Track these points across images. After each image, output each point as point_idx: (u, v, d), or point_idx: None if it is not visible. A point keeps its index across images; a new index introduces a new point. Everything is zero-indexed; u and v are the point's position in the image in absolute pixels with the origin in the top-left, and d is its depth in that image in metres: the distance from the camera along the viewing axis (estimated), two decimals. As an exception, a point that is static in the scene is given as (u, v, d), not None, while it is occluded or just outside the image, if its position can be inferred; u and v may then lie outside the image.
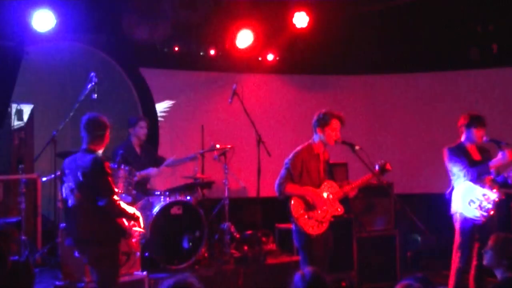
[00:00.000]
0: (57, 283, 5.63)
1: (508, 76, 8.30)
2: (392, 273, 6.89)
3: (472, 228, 5.53)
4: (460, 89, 8.56)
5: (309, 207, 5.14)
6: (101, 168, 4.41)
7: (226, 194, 6.96)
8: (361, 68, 8.82)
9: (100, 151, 4.57)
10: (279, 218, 6.88)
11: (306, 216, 5.12)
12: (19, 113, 6.49)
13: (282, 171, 5.22)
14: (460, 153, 5.65)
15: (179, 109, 8.30)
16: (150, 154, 7.07)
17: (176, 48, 8.02)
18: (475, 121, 5.69)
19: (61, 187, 4.64)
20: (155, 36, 7.31)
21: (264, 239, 6.97)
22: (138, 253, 5.54)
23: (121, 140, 7.04)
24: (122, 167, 6.18)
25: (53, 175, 6.26)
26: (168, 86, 8.26)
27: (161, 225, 6.22)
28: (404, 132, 8.78)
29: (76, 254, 4.66)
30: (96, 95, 6.25)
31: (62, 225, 5.66)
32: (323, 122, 5.21)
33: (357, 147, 5.14)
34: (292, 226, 5.23)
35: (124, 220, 4.52)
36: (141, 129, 6.85)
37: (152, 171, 6.72)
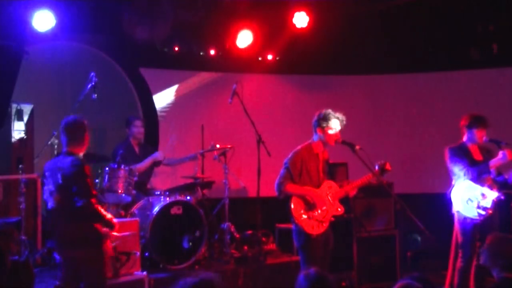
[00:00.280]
0: (57, 283, 5.62)
1: (508, 76, 8.30)
2: (392, 273, 6.89)
3: (472, 228, 5.54)
4: (460, 89, 8.55)
5: (309, 207, 5.14)
6: (80, 170, 4.40)
7: (226, 194, 6.97)
8: (361, 68, 8.82)
9: (81, 154, 4.56)
10: (279, 218, 6.88)
11: (306, 216, 5.12)
12: (19, 113, 6.49)
13: (282, 171, 5.23)
14: (461, 153, 5.67)
15: (179, 109, 8.30)
16: (148, 154, 7.08)
17: (176, 48, 8.02)
18: (477, 121, 5.70)
19: (42, 189, 4.63)
20: (155, 36, 7.31)
21: (264, 239, 6.96)
22: (138, 253, 5.55)
23: (121, 140, 7.04)
24: (122, 167, 6.19)
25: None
26: (168, 86, 8.26)
27: (161, 225, 6.22)
28: (404, 132, 8.78)
29: (57, 256, 4.65)
30: (96, 95, 6.25)
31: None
32: (323, 122, 5.21)
33: (357, 147, 5.14)
34: (292, 226, 5.23)
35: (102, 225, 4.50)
36: (136, 128, 6.87)
37: (158, 154, 6.75)
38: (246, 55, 8.18)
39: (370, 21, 8.09)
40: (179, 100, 8.31)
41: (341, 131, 5.25)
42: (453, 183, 5.71)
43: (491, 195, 5.51)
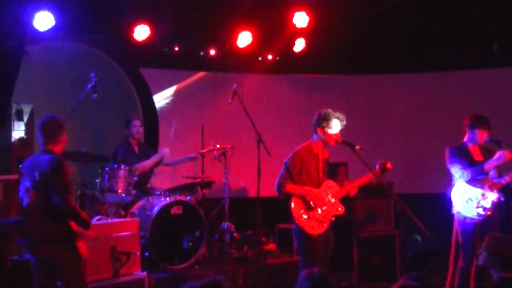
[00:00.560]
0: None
1: (508, 76, 8.30)
2: (392, 273, 6.89)
3: (472, 228, 5.54)
4: (460, 89, 8.55)
5: (309, 207, 5.14)
6: (57, 166, 4.41)
7: (226, 194, 6.97)
8: (361, 68, 8.82)
9: (58, 152, 4.57)
10: (279, 218, 6.89)
11: (306, 216, 5.12)
12: (19, 113, 6.47)
13: (282, 171, 5.23)
14: (460, 154, 5.67)
15: (179, 109, 8.30)
16: (148, 153, 7.10)
17: (176, 48, 8.02)
18: (479, 122, 5.70)
19: (19, 187, 4.63)
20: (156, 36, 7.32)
21: (264, 239, 6.97)
22: (138, 253, 5.55)
23: (121, 140, 7.05)
24: (122, 167, 6.19)
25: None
26: (168, 86, 8.26)
27: (161, 225, 6.22)
28: (404, 132, 8.78)
29: (27, 255, 4.64)
30: (96, 95, 6.25)
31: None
32: (323, 122, 5.20)
33: (357, 147, 5.13)
34: (293, 226, 5.23)
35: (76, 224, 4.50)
36: (135, 128, 6.89)
37: (164, 152, 6.78)
38: (246, 55, 8.18)
39: (370, 21, 8.08)
40: (179, 100, 8.31)
41: (341, 131, 5.25)
42: (453, 183, 5.71)
43: (491, 196, 5.51)
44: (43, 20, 6.43)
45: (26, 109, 6.59)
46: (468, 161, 5.63)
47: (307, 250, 5.14)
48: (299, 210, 5.13)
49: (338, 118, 5.22)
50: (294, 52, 8.23)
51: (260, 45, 8.12)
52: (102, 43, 7.68)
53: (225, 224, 6.84)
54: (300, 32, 7.97)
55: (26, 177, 4.50)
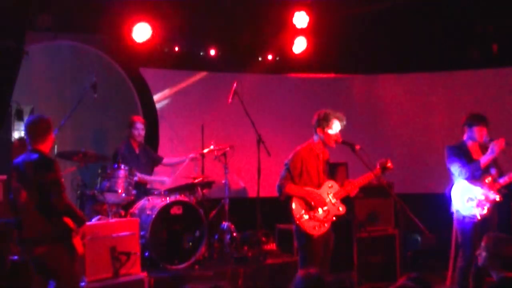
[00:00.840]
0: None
1: (508, 76, 8.30)
2: (392, 273, 6.89)
3: (472, 227, 5.54)
4: (460, 89, 8.55)
5: (310, 207, 5.14)
6: (50, 165, 4.43)
7: (226, 194, 6.97)
8: (361, 68, 8.82)
9: (46, 152, 4.58)
10: (279, 218, 6.89)
11: (307, 217, 5.12)
12: (19, 113, 6.48)
13: (282, 172, 5.23)
14: (460, 152, 5.67)
15: (179, 109, 8.30)
16: (148, 154, 7.11)
17: (176, 48, 8.03)
18: (477, 119, 5.71)
19: (7, 188, 4.63)
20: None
21: (264, 239, 6.97)
22: (138, 253, 5.55)
23: (121, 140, 7.05)
24: (122, 167, 6.20)
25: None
26: (168, 86, 8.26)
27: (161, 225, 6.22)
28: (404, 132, 8.78)
29: (16, 257, 4.63)
30: (96, 95, 6.25)
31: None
32: (323, 122, 5.20)
33: (357, 147, 5.13)
34: (294, 227, 5.23)
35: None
36: (137, 131, 6.90)
37: (167, 180, 6.82)
38: (246, 55, 8.17)
39: (370, 21, 8.09)
40: (179, 100, 8.31)
41: (341, 131, 5.25)
42: (453, 181, 5.71)
43: (490, 196, 5.51)
44: (44, 20, 6.43)
45: (26, 109, 6.60)
46: (467, 160, 5.64)
47: (307, 250, 5.14)
48: (300, 211, 5.12)
49: (338, 118, 5.22)
50: (294, 52, 8.23)
51: (260, 45, 8.12)
52: (102, 43, 7.68)
53: (225, 224, 6.84)
54: (300, 32, 7.96)
55: (16, 178, 4.50)
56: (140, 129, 6.91)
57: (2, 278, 5.02)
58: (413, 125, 8.77)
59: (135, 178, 6.32)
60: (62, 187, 4.45)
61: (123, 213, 6.30)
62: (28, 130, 4.56)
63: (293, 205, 5.13)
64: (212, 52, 8.17)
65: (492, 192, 5.52)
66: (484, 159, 5.54)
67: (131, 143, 6.92)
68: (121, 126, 7.40)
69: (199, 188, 6.90)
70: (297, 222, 5.12)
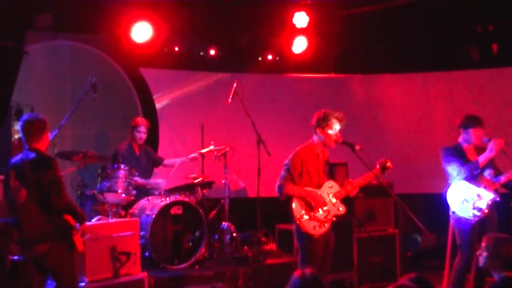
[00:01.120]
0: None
1: (508, 76, 8.30)
2: (392, 273, 6.89)
3: (469, 228, 5.54)
4: (460, 89, 8.55)
5: (310, 207, 5.13)
6: (49, 163, 4.46)
7: (226, 194, 6.97)
8: (361, 68, 8.82)
9: (43, 150, 4.59)
10: (279, 218, 6.88)
11: (307, 217, 5.12)
12: (19, 113, 6.49)
13: (282, 172, 5.22)
14: (455, 153, 5.67)
15: (179, 109, 8.30)
16: (148, 155, 7.11)
17: (176, 48, 8.02)
18: (473, 121, 5.70)
19: (6, 188, 4.62)
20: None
21: (264, 239, 6.97)
22: (138, 253, 5.55)
23: (121, 140, 7.05)
24: (122, 167, 6.20)
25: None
26: (168, 86, 8.26)
27: (161, 225, 6.23)
28: (404, 132, 8.78)
29: (16, 257, 4.63)
30: (96, 95, 6.25)
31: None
32: (322, 123, 5.20)
33: (357, 147, 5.12)
34: (294, 227, 5.22)
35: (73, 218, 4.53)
36: (139, 134, 6.90)
37: (161, 183, 6.80)
38: (246, 55, 8.17)
39: (370, 21, 8.09)
40: (179, 100, 8.31)
41: (341, 131, 5.24)
42: (449, 183, 5.71)
43: (486, 196, 5.51)
44: (44, 20, 6.43)
45: (26, 109, 6.60)
46: (462, 161, 5.63)
47: (307, 250, 5.13)
48: (300, 211, 5.12)
49: (337, 118, 5.21)
50: (294, 52, 8.23)
51: (260, 45, 8.12)
52: (102, 43, 7.68)
53: (225, 224, 6.84)
54: (300, 32, 7.96)
55: (15, 177, 4.50)
56: (142, 132, 6.91)
57: (2, 278, 5.02)
58: (412, 125, 8.77)
59: (135, 178, 6.32)
60: (62, 185, 4.46)
61: (123, 213, 6.30)
62: (23, 129, 4.57)
63: (293, 205, 5.13)
64: (212, 52, 8.16)
65: (489, 192, 5.52)
66: (482, 158, 5.53)
67: (132, 144, 6.92)
68: (121, 126, 7.40)
69: (199, 188, 6.90)
70: (297, 222, 5.12)
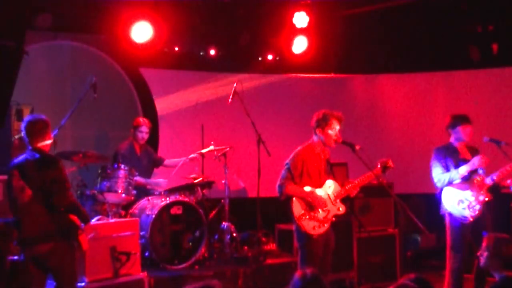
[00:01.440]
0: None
1: (508, 76, 8.29)
2: (392, 273, 6.89)
3: (462, 228, 5.57)
4: (460, 89, 8.55)
5: (310, 207, 5.13)
6: (52, 163, 4.49)
7: (226, 194, 6.97)
8: (361, 68, 8.82)
9: (47, 151, 4.62)
10: (279, 218, 6.89)
11: (307, 217, 5.11)
12: (19, 113, 6.49)
13: (283, 172, 5.22)
14: (446, 154, 5.73)
15: (179, 109, 8.29)
16: (149, 155, 7.11)
17: (176, 48, 8.02)
18: (460, 119, 5.77)
19: (9, 187, 4.63)
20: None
21: (264, 239, 6.97)
22: (138, 253, 5.55)
23: (121, 140, 7.05)
24: (122, 167, 6.19)
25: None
26: (168, 86, 8.26)
27: (161, 225, 6.23)
28: (404, 132, 8.78)
29: (16, 257, 4.64)
30: (96, 95, 6.25)
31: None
32: (322, 123, 5.20)
33: (357, 147, 5.12)
34: (293, 226, 5.22)
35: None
36: (141, 134, 6.90)
37: (162, 183, 6.80)
38: (246, 55, 8.17)
39: (370, 21, 8.09)
40: (179, 100, 8.30)
41: (341, 131, 5.24)
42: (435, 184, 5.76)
43: (480, 197, 5.53)
44: (44, 20, 6.43)
45: (26, 109, 6.60)
46: (454, 160, 5.66)
47: (307, 250, 5.13)
48: (300, 211, 5.12)
49: (337, 118, 5.21)
50: (294, 52, 8.23)
51: (260, 45, 8.12)
52: (102, 43, 7.68)
53: (225, 224, 6.83)
54: (300, 32, 7.96)
55: (20, 177, 4.51)
56: (144, 132, 6.91)
57: (2, 278, 5.02)
58: (413, 125, 8.76)
59: (135, 178, 6.31)
60: (67, 184, 4.50)
61: (123, 213, 6.30)
62: (26, 130, 4.59)
63: (293, 205, 5.12)
64: (212, 52, 8.16)
65: (481, 192, 5.55)
66: (462, 171, 5.60)
67: (133, 144, 6.92)
68: (121, 126, 7.40)
69: (199, 188, 6.90)
70: (297, 222, 5.11)
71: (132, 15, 7.06)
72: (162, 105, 8.21)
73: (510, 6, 7.47)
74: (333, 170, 5.49)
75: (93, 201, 6.22)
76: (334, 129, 5.19)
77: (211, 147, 7.05)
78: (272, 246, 7.08)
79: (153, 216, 6.12)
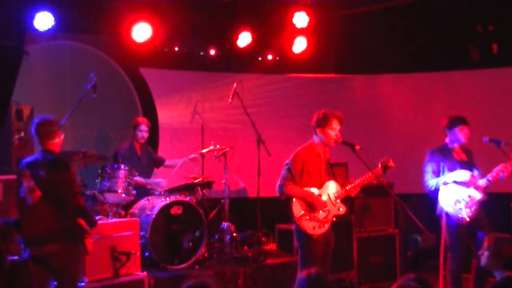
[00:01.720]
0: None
1: (508, 76, 8.29)
2: (392, 273, 6.90)
3: (459, 229, 5.57)
4: (460, 89, 8.55)
5: (311, 207, 5.13)
6: (66, 165, 4.56)
7: (226, 194, 6.97)
8: (361, 68, 8.82)
9: (57, 152, 4.67)
10: (279, 218, 6.88)
11: (307, 217, 5.11)
12: (19, 113, 6.49)
13: (283, 172, 5.21)
14: (440, 155, 5.75)
15: (179, 109, 8.29)
16: (150, 155, 7.11)
17: (176, 48, 8.02)
18: (457, 121, 5.78)
19: (19, 187, 4.64)
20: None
21: (264, 239, 6.97)
22: (138, 253, 5.55)
23: (121, 139, 7.05)
24: (122, 167, 6.19)
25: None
26: (168, 86, 8.26)
27: (161, 225, 6.22)
28: (404, 132, 8.77)
29: (26, 255, 4.67)
30: (96, 95, 6.25)
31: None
32: (322, 123, 5.19)
33: (357, 147, 5.12)
34: (293, 226, 5.22)
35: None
36: (141, 133, 6.91)
37: (162, 182, 6.79)
38: (246, 55, 8.17)
39: (370, 21, 8.09)
40: (179, 100, 8.30)
41: (341, 131, 5.24)
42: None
43: (475, 196, 5.54)
44: (43, 20, 6.43)
45: (26, 109, 6.60)
46: (448, 162, 5.69)
47: (307, 250, 5.13)
48: (300, 211, 5.12)
49: (337, 118, 5.21)
50: (294, 52, 8.23)
51: (260, 45, 8.12)
52: (102, 43, 7.68)
53: (225, 224, 6.83)
54: (300, 32, 7.96)
55: (29, 177, 4.52)
56: (144, 131, 6.92)
57: (2, 278, 5.02)
58: (413, 125, 8.75)
59: (135, 178, 6.31)
60: (76, 187, 4.57)
61: (123, 213, 6.30)
62: (35, 132, 4.65)
63: (294, 206, 5.12)
64: (212, 52, 8.16)
65: (477, 192, 5.56)
66: (450, 179, 5.63)
67: (133, 144, 6.92)
68: (121, 126, 7.39)
69: (199, 188, 6.91)
70: (297, 222, 5.11)
71: (132, 15, 7.06)
72: (162, 105, 8.21)
73: (510, 6, 7.48)
74: (333, 170, 5.49)
75: (93, 201, 6.22)
76: (334, 129, 5.19)
77: (211, 147, 7.05)
78: (272, 246, 7.08)
79: (153, 216, 6.12)
